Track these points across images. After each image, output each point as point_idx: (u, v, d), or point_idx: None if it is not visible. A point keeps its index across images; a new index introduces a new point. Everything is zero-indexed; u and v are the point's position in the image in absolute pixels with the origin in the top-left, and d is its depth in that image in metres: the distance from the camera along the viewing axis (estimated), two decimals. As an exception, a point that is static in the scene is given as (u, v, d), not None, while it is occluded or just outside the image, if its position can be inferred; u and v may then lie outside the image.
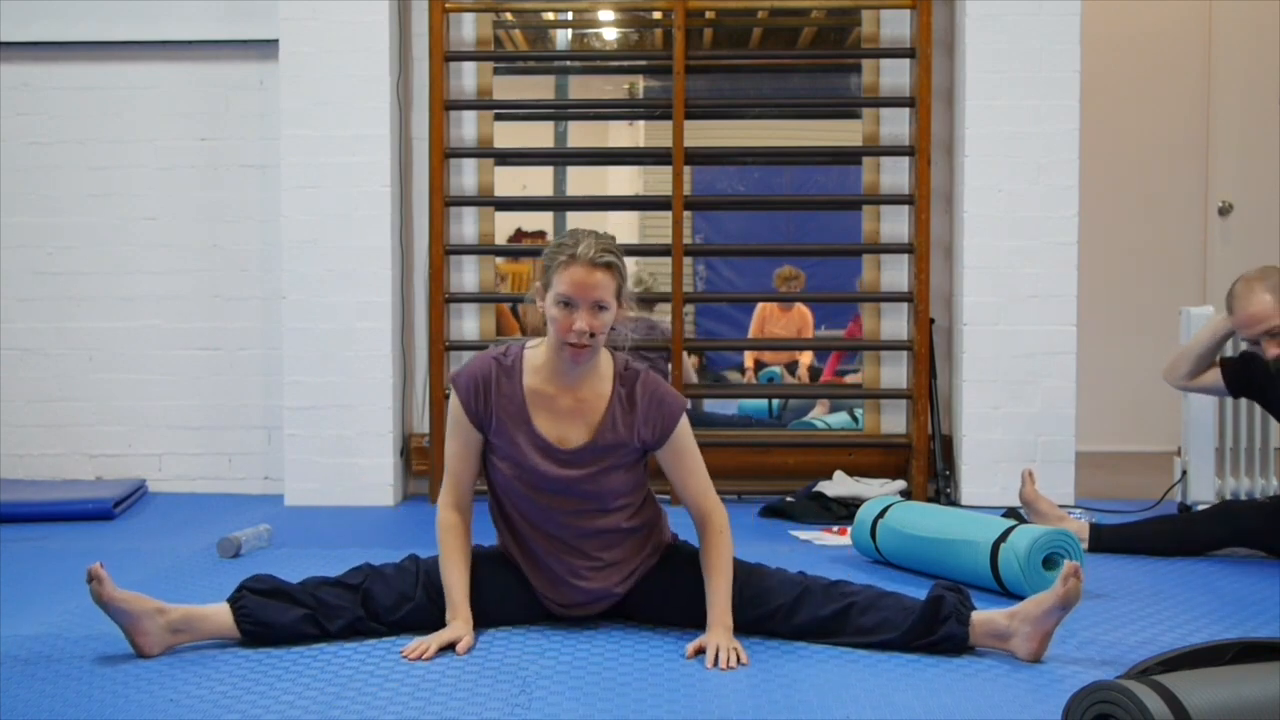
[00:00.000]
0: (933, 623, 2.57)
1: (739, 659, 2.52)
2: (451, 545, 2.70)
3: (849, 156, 5.17)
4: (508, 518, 2.77)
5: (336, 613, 2.66)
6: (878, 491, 4.36)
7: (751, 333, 6.23)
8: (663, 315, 5.31)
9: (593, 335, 2.57)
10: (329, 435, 4.63)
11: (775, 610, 2.67)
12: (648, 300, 6.04)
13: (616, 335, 2.68)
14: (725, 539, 2.68)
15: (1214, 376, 3.71)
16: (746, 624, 2.68)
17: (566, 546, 2.72)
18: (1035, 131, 4.54)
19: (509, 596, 2.78)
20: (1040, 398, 4.56)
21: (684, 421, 2.72)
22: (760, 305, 6.31)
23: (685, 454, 2.72)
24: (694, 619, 2.72)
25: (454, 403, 2.71)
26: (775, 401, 5.89)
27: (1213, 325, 3.66)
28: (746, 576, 2.73)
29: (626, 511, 2.74)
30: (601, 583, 2.75)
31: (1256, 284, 3.37)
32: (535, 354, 2.71)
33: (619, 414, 2.68)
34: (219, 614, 2.63)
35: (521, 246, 6.66)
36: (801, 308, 6.24)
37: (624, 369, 2.72)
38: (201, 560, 3.60)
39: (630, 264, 7.51)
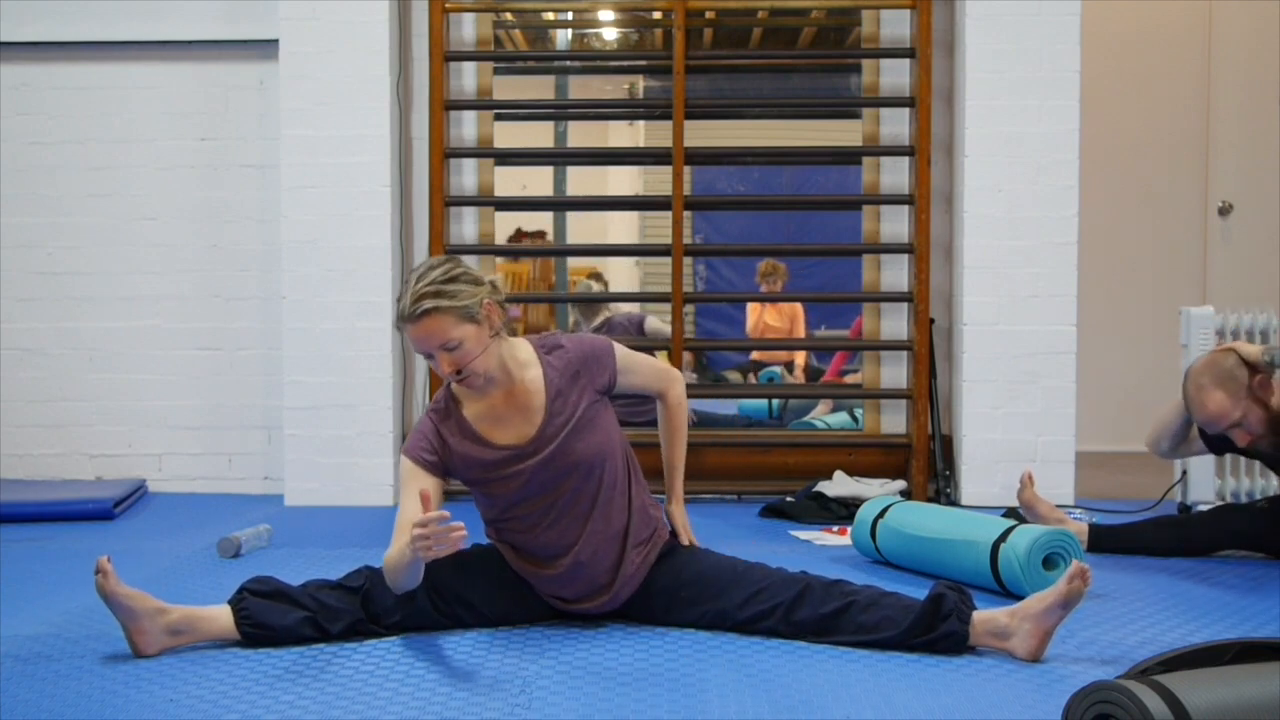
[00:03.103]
0: (933, 620, 2.57)
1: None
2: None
3: (849, 156, 5.17)
4: (515, 545, 2.77)
5: (337, 615, 2.66)
6: (878, 491, 4.36)
7: (749, 330, 6.23)
8: (663, 316, 5.31)
9: (459, 371, 2.61)
10: (329, 435, 4.63)
11: (775, 607, 2.68)
12: (596, 300, 6.03)
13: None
14: (681, 408, 2.96)
15: (1198, 443, 3.65)
16: (747, 621, 2.70)
17: (575, 539, 2.72)
18: (1035, 131, 4.54)
19: (508, 590, 2.78)
20: (1040, 398, 4.56)
21: (617, 349, 2.83)
22: (751, 304, 6.30)
23: (633, 366, 2.86)
24: (695, 618, 2.76)
25: (405, 466, 2.71)
26: (775, 401, 5.88)
27: (1179, 406, 3.52)
28: (746, 573, 2.76)
29: (614, 477, 2.75)
30: (615, 574, 2.75)
31: (1206, 382, 3.28)
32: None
33: (560, 384, 2.73)
34: (219, 615, 2.63)
35: (521, 246, 6.67)
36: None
37: (542, 344, 2.78)
38: (201, 560, 3.60)
39: (628, 264, 7.52)
